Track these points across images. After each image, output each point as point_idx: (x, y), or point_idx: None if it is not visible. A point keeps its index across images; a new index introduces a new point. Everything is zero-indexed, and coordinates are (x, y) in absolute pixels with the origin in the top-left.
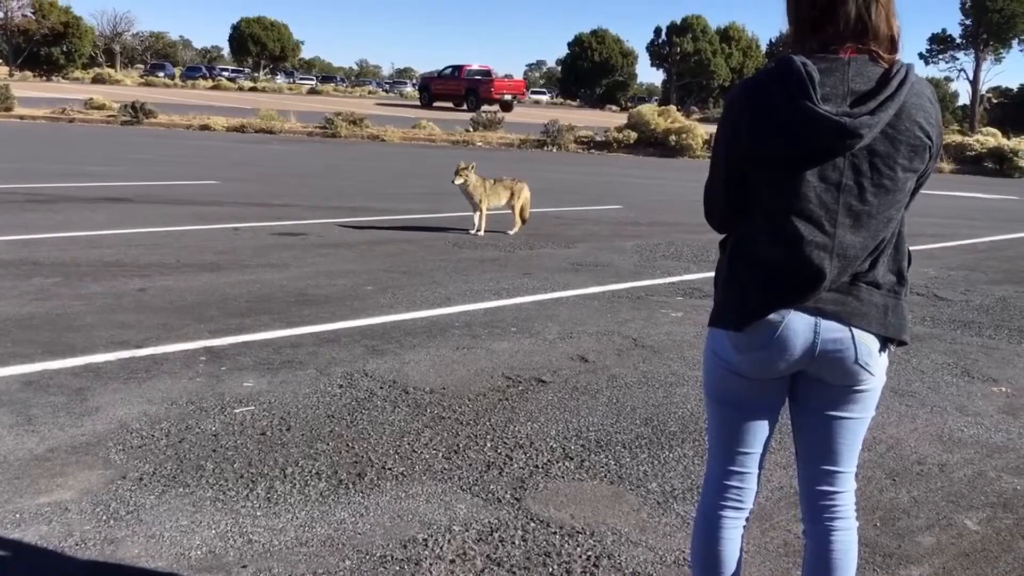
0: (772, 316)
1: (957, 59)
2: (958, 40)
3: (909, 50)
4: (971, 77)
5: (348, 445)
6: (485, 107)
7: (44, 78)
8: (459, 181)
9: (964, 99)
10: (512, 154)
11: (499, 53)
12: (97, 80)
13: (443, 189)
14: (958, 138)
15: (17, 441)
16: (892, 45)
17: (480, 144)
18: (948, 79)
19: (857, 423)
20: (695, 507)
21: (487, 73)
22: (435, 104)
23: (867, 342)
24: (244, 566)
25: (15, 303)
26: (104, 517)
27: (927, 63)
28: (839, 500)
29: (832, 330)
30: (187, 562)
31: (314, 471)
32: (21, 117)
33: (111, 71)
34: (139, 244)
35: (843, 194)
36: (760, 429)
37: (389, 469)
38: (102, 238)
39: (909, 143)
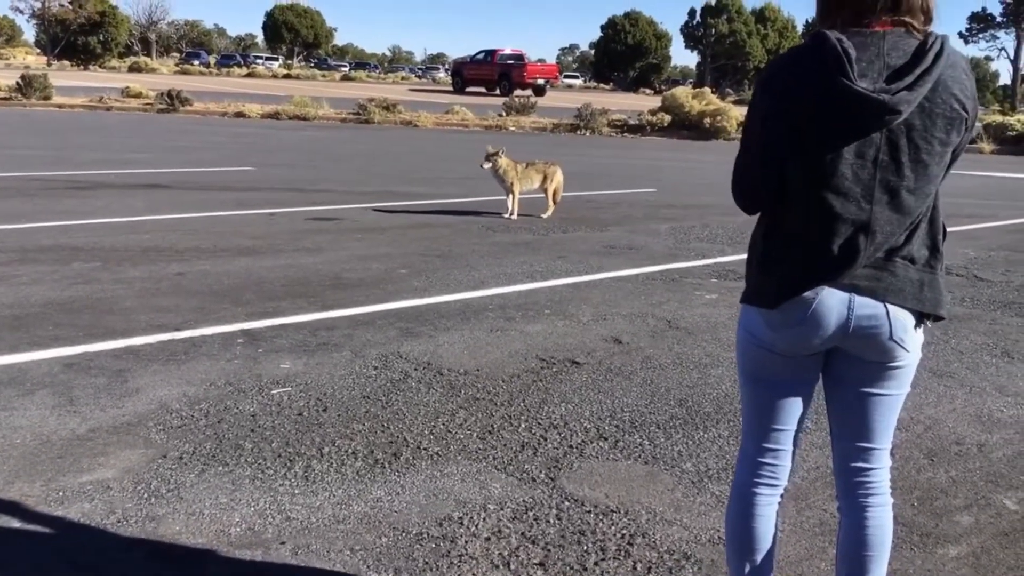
0: (806, 293)
1: (997, 38)
2: (998, 19)
3: (949, 28)
4: (1012, 56)
5: (383, 425)
6: (518, 92)
7: (81, 67)
8: (487, 166)
9: (1005, 78)
10: (545, 138)
11: (532, 37)
12: (133, 69)
13: (476, 174)
14: (999, 118)
15: (60, 421)
16: (927, 17)
17: (513, 128)
18: (988, 58)
19: (892, 399)
20: (730, 486)
21: (520, 58)
22: (468, 89)
23: (902, 318)
24: (283, 543)
25: (56, 287)
26: (145, 495)
27: (967, 42)
28: (874, 477)
29: (866, 306)
30: (227, 539)
31: (350, 450)
32: (60, 106)
33: (147, 60)
34: (176, 229)
35: (880, 170)
36: (794, 406)
37: (424, 449)
38: (140, 224)
39: (946, 116)
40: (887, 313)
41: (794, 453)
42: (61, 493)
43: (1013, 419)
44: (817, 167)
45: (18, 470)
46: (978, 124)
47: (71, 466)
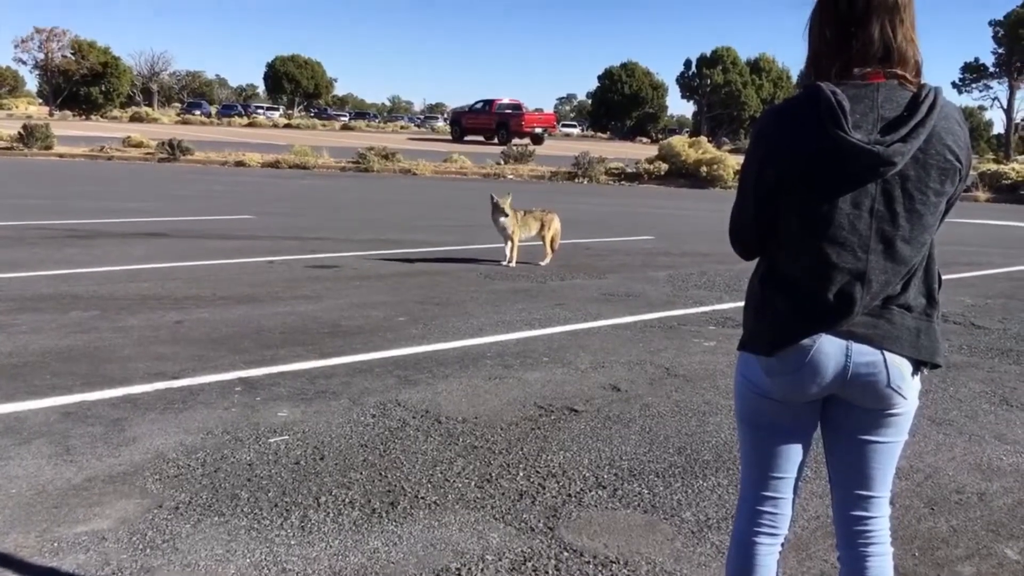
0: (804, 340)
1: (991, 87)
2: (991, 69)
3: (942, 79)
4: (1005, 105)
5: (381, 474)
6: (516, 140)
7: (83, 117)
8: (503, 219)
9: (999, 127)
10: (543, 186)
11: (530, 87)
12: (135, 118)
13: (474, 221)
14: (993, 166)
15: (56, 471)
16: (917, 70)
17: (511, 176)
18: (982, 108)
19: (890, 447)
20: (730, 536)
21: (518, 107)
22: (466, 138)
23: (899, 365)
24: None
25: (54, 336)
26: (140, 546)
27: (960, 92)
28: (874, 525)
29: (864, 353)
30: None
31: (347, 500)
32: (61, 155)
33: (148, 110)
34: (176, 277)
35: (875, 220)
36: (793, 453)
37: (422, 498)
38: (140, 272)
39: (939, 167)
40: (884, 361)
41: (794, 501)
42: (56, 544)
43: (1013, 467)
44: (813, 217)
45: (13, 520)
46: (973, 173)
47: (67, 516)
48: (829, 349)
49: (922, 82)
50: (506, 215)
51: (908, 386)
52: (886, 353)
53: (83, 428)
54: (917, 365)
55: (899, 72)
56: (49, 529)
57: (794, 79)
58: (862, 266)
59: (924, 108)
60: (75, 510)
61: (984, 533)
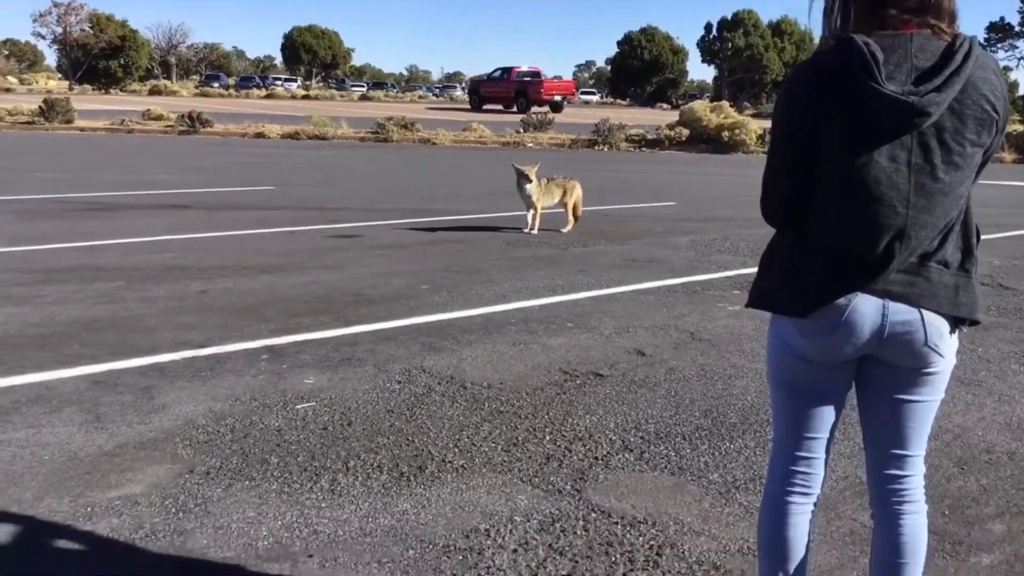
0: (839, 300)
1: (1016, 47)
2: (1017, 28)
3: None
4: None
5: (408, 439)
6: (535, 108)
7: (103, 91)
8: (530, 185)
9: None
10: (563, 154)
11: (548, 54)
12: (154, 92)
13: (495, 190)
14: (1019, 128)
15: (87, 438)
16: (951, 19)
17: (531, 145)
18: (1007, 68)
19: (927, 406)
20: (758, 497)
21: (536, 74)
22: (485, 107)
23: (937, 323)
24: (310, 555)
25: (80, 306)
26: (173, 510)
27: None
28: (908, 484)
29: (900, 312)
30: (255, 552)
31: (376, 464)
32: (81, 129)
33: (167, 82)
34: (199, 248)
35: (914, 173)
36: (827, 414)
37: (449, 462)
38: (163, 243)
39: (976, 117)
40: (922, 319)
41: (826, 461)
42: (89, 509)
43: None
44: (849, 173)
45: (47, 486)
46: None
47: (99, 482)
48: (865, 308)
49: (957, 31)
50: (531, 182)
51: (946, 344)
52: (923, 311)
53: (113, 396)
54: (955, 323)
55: (933, 22)
56: (82, 494)
57: (816, 41)
58: (901, 221)
59: (959, 57)
60: (107, 475)
61: (1014, 492)
